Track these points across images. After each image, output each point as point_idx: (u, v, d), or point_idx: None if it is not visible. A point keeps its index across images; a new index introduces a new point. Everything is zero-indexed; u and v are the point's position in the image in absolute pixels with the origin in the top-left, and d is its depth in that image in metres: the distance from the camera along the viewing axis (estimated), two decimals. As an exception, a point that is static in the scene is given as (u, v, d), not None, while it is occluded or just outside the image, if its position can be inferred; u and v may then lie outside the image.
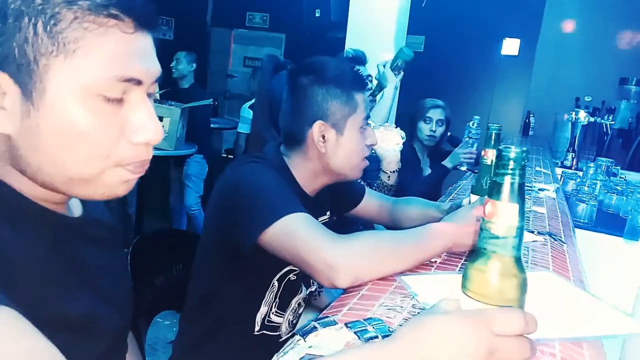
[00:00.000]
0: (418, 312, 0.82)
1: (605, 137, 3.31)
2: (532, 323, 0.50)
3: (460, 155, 2.36)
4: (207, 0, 6.42)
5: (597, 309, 0.92)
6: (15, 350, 0.44)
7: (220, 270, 1.13)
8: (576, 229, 1.62)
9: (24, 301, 0.52)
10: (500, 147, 0.52)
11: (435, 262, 1.08)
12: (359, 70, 1.15)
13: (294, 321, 1.23)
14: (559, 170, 2.77)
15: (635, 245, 1.70)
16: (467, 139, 2.43)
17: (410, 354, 0.48)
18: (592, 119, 3.08)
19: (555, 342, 0.77)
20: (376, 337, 0.74)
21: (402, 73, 2.06)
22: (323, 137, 1.10)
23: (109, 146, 0.57)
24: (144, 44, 0.58)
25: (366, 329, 0.76)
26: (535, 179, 2.11)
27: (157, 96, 3.11)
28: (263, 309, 1.14)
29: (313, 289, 1.54)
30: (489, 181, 1.00)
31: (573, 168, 2.93)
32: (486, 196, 0.54)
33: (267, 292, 1.13)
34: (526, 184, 2.46)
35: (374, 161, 1.94)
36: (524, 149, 0.53)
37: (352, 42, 3.21)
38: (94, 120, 0.56)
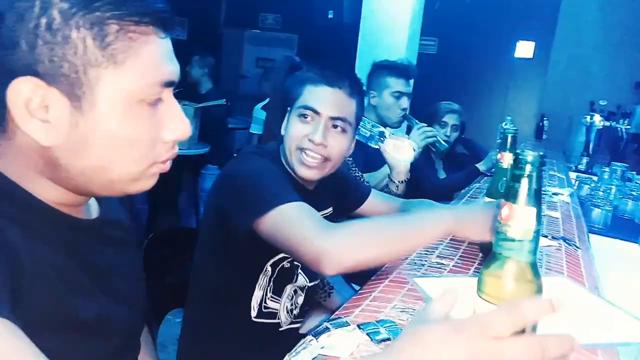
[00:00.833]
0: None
1: (621, 141, 3.27)
2: (532, 311, 0.45)
3: (494, 158, 2.29)
4: (220, 1, 6.46)
5: (612, 316, 0.91)
6: None
7: (216, 255, 1.15)
8: (590, 234, 1.60)
9: (35, 303, 0.52)
10: (517, 151, 0.52)
11: (448, 265, 1.07)
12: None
13: (294, 310, 1.23)
14: (573, 175, 2.74)
15: (651, 252, 1.68)
16: (500, 140, 2.39)
17: None
18: (607, 123, 3.05)
19: (569, 348, 0.77)
20: (388, 339, 0.74)
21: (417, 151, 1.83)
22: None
23: (150, 147, 0.60)
24: (170, 46, 0.60)
25: (378, 331, 0.76)
26: (549, 183, 2.09)
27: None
28: (258, 293, 1.15)
29: (322, 290, 1.54)
30: (504, 184, 0.99)
31: (588, 172, 2.90)
32: (502, 199, 0.53)
33: (261, 276, 1.14)
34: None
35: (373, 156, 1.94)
36: (541, 152, 0.52)
37: (365, 43, 3.21)
38: (139, 124, 0.58)
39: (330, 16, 5.30)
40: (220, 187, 1.12)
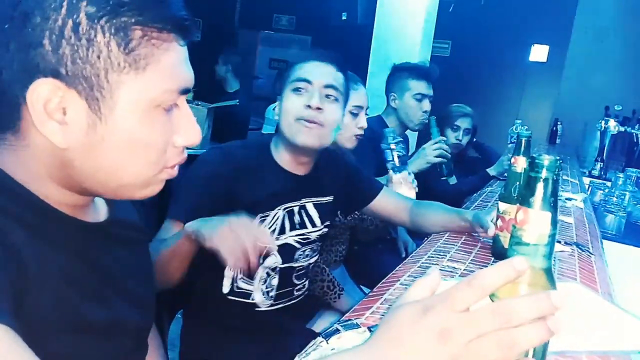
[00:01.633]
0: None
1: (635, 147, 3.23)
2: (493, 278, 0.42)
3: (506, 163, 2.26)
4: (235, 2, 6.48)
5: (626, 323, 0.90)
6: None
7: None
8: (604, 241, 1.59)
9: (41, 305, 0.52)
10: (533, 155, 0.52)
11: (460, 269, 1.07)
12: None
13: (271, 292, 1.24)
14: (586, 180, 2.71)
15: (665, 259, 1.66)
16: (510, 144, 2.37)
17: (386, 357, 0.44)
18: (622, 129, 3.01)
19: (582, 355, 0.76)
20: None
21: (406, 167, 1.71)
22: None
23: (163, 152, 0.61)
24: (187, 53, 0.61)
25: (389, 334, 0.76)
26: (562, 188, 2.07)
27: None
28: (229, 273, 1.19)
29: (332, 291, 1.54)
30: (517, 188, 0.98)
31: (601, 178, 2.88)
32: (517, 203, 0.53)
33: None
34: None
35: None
36: (558, 157, 0.52)
37: (378, 45, 3.20)
38: (154, 129, 0.59)
39: (344, 18, 5.30)
40: None
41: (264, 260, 1.19)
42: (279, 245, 1.19)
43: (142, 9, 0.55)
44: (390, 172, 1.65)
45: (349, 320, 0.81)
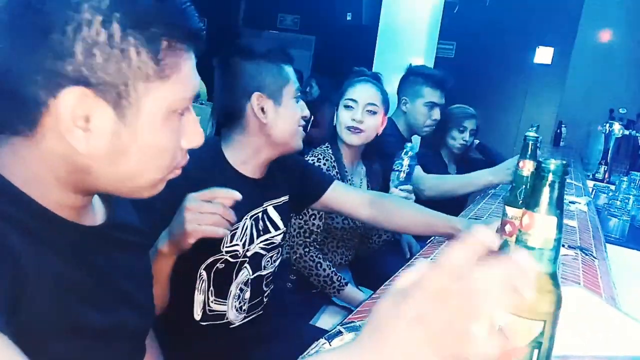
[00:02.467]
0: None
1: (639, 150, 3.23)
2: (460, 254, 0.42)
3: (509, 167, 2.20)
4: (239, 2, 6.49)
5: (630, 328, 0.89)
6: None
7: None
8: (607, 244, 1.58)
9: (39, 310, 0.52)
10: (540, 159, 0.51)
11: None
12: (285, 47, 1.22)
13: (244, 306, 1.20)
14: (590, 183, 2.71)
15: (669, 264, 1.65)
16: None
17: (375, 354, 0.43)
18: (626, 132, 3.01)
19: (585, 360, 0.76)
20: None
21: None
22: (262, 109, 1.14)
23: (174, 154, 0.64)
24: (195, 60, 0.64)
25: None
26: (566, 191, 2.06)
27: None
28: (199, 297, 1.13)
29: (330, 286, 1.51)
30: (523, 192, 0.98)
31: (605, 181, 2.87)
32: (523, 208, 0.53)
33: (198, 281, 1.13)
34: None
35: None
36: (564, 161, 0.52)
37: (383, 46, 3.20)
38: (171, 134, 0.62)
39: (348, 18, 5.30)
40: None
41: (236, 276, 1.16)
42: (249, 257, 1.16)
43: (168, 21, 0.58)
44: (392, 183, 1.66)
45: (352, 322, 0.81)
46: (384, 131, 1.82)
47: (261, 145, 1.16)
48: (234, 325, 1.17)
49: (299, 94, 1.19)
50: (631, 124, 3.28)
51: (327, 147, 1.70)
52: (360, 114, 1.64)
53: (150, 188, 0.64)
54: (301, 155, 1.62)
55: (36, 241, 0.54)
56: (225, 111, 1.19)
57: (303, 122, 1.20)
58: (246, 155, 1.17)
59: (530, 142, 0.97)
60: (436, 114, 2.11)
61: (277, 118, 1.15)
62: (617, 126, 2.94)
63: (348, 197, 1.36)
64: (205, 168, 1.08)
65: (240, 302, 1.19)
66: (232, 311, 1.17)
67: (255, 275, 1.21)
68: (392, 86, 2.19)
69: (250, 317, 1.21)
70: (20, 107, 0.55)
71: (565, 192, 0.55)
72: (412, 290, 0.43)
